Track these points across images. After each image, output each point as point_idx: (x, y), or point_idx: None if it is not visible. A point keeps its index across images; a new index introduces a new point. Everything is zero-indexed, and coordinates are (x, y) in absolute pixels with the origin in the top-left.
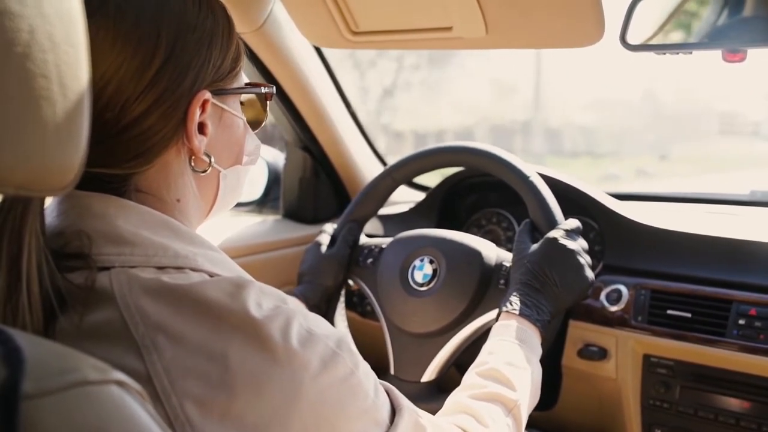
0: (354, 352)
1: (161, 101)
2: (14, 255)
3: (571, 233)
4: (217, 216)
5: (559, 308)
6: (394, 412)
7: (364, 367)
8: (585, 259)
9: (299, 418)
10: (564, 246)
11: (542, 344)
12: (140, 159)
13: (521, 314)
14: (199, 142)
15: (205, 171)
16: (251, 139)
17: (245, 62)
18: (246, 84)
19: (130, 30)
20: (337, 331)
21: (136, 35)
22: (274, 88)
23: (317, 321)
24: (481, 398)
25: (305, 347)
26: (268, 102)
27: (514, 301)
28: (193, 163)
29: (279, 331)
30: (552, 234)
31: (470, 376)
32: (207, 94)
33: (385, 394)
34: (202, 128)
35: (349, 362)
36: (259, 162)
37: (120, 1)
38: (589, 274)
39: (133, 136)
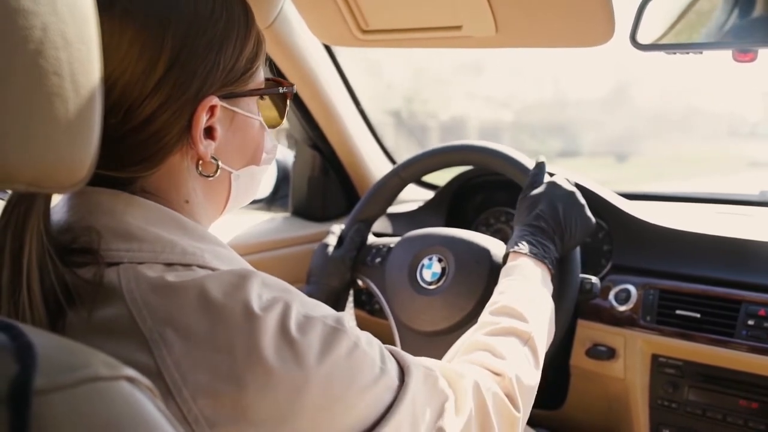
0: (354, 326)
1: (165, 107)
2: (16, 252)
3: (570, 182)
4: (231, 212)
5: (565, 247)
6: (403, 372)
7: (367, 337)
8: (585, 202)
9: (311, 401)
10: (565, 187)
11: (552, 281)
12: (144, 164)
13: (529, 253)
14: (205, 147)
15: (211, 176)
16: (268, 138)
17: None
18: (266, 79)
19: (136, 33)
20: (335, 312)
21: (141, 39)
22: (294, 87)
23: (314, 305)
24: (496, 333)
25: (305, 333)
26: (288, 101)
27: (521, 242)
28: (200, 168)
29: (278, 320)
30: (553, 178)
31: (483, 316)
32: (214, 100)
33: (392, 358)
34: (210, 132)
35: (351, 335)
36: None
37: (127, 3)
38: (591, 215)
39: (136, 141)
